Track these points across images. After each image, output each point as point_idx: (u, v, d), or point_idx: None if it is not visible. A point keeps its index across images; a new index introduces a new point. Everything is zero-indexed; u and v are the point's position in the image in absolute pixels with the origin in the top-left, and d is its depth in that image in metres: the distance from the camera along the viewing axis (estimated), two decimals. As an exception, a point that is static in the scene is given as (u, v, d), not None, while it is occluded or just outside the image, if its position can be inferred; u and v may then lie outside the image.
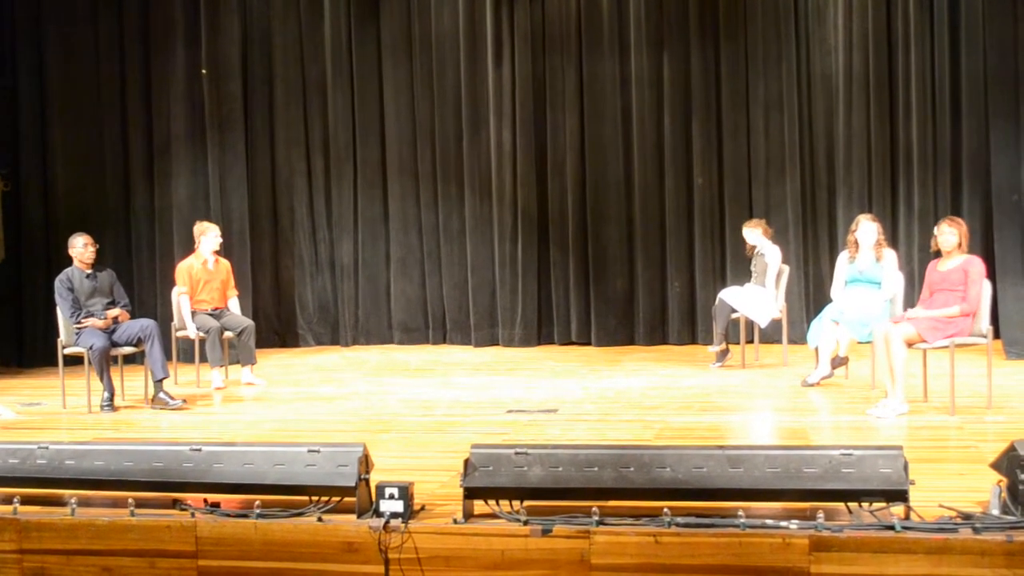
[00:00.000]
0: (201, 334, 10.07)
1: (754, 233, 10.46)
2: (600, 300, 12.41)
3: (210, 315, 10.16)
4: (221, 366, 10.05)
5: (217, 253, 10.45)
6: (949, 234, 8.00)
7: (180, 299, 10.23)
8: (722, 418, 8.19)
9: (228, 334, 10.15)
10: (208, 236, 10.33)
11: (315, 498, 5.66)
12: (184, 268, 10.30)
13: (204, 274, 10.25)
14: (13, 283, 12.14)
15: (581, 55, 12.40)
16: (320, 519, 5.50)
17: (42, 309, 11.76)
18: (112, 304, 9.32)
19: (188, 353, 11.03)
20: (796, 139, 11.96)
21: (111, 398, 9.08)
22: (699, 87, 12.15)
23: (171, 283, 11.33)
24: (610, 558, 5.17)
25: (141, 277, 12.36)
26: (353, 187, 13.01)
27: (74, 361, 9.31)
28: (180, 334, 10.30)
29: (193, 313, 10.16)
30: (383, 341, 12.99)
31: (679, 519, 5.18)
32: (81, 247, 9.31)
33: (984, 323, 7.87)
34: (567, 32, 12.40)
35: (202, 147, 12.30)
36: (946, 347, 7.78)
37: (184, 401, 9.09)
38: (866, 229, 9.08)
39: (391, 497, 5.42)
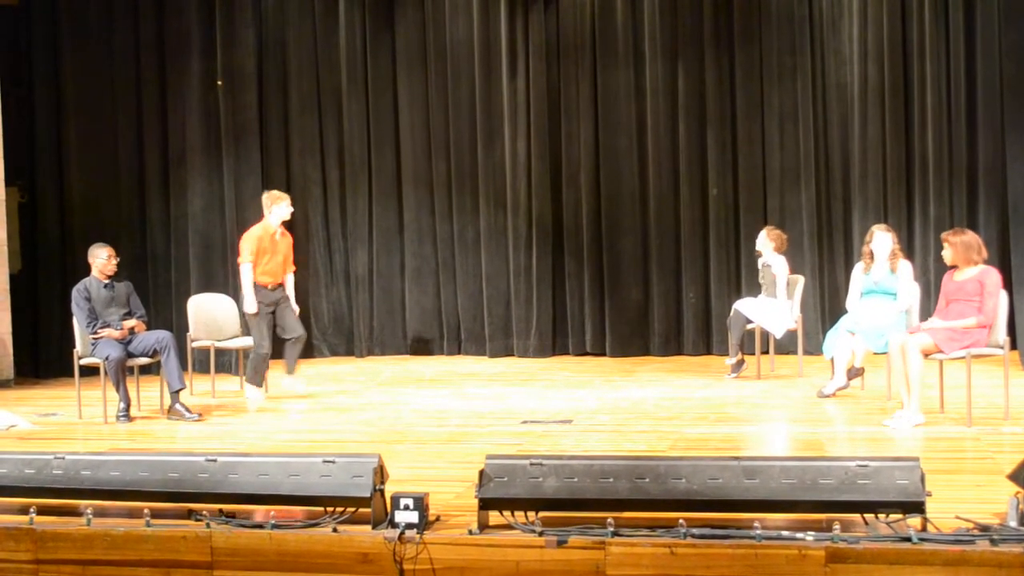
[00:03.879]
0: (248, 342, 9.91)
1: (763, 243, 10.45)
2: (615, 310, 12.40)
3: (271, 293, 9.90)
4: (260, 386, 9.88)
5: (285, 224, 10.17)
6: (944, 249, 8.10)
7: (242, 268, 9.84)
8: (737, 429, 8.17)
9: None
10: (281, 205, 9.99)
11: (330, 509, 5.66)
12: (253, 237, 9.89)
13: (271, 245, 9.97)
14: (29, 294, 12.18)
15: (596, 65, 12.41)
16: (335, 530, 5.50)
17: (58, 320, 11.80)
18: (128, 315, 9.33)
19: (204, 364, 11.06)
20: (811, 149, 11.95)
21: (127, 409, 9.11)
22: (714, 97, 12.15)
23: (186, 293, 11.40)
24: (625, 569, 5.16)
25: (157, 288, 12.37)
26: (368, 197, 13.02)
27: (90, 372, 9.33)
28: (248, 310, 9.84)
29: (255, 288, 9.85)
30: (398, 352, 12.99)
31: (695, 530, 5.17)
32: (104, 259, 9.30)
33: (1001, 334, 7.84)
34: (582, 42, 12.41)
35: (217, 157, 12.32)
36: (962, 358, 7.74)
37: (200, 415, 9.08)
38: (880, 239, 9.08)
39: (406, 508, 5.42)
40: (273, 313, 9.96)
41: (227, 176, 12.28)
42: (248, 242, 9.87)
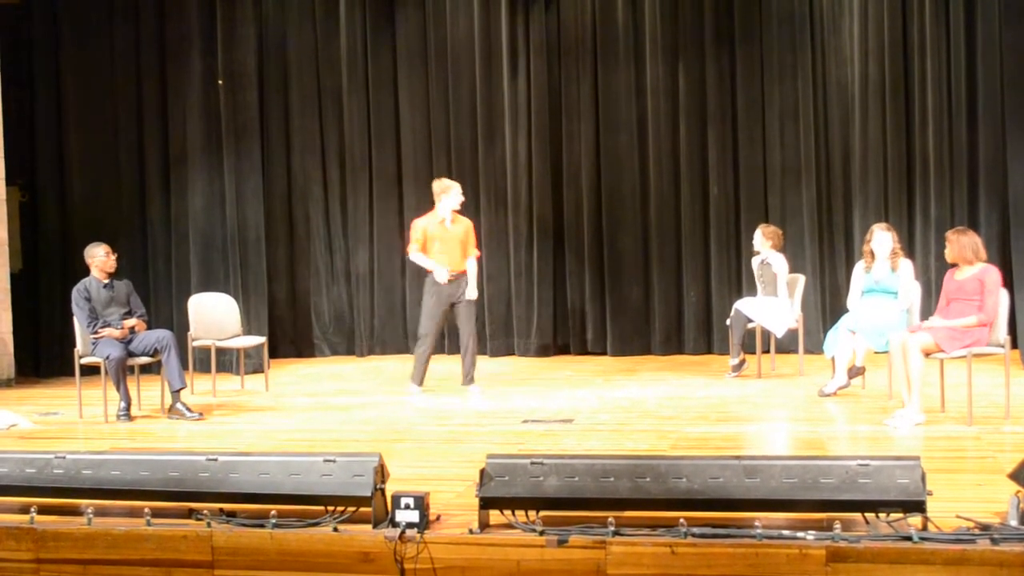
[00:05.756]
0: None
1: (760, 241, 10.44)
2: (616, 309, 12.40)
3: (446, 286, 9.87)
4: (420, 384, 10.09)
5: (458, 212, 10.13)
6: (947, 246, 8.11)
7: (411, 257, 10.02)
8: (738, 428, 8.17)
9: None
10: (450, 195, 9.98)
11: (331, 508, 5.66)
12: (420, 225, 9.99)
13: (440, 231, 9.97)
14: (30, 293, 12.18)
15: (596, 64, 12.42)
16: (336, 529, 5.50)
17: (59, 319, 11.80)
18: (129, 314, 9.33)
19: (204, 363, 11.05)
20: (812, 148, 11.95)
21: (127, 408, 9.11)
22: (714, 96, 12.15)
23: (186, 292, 11.41)
24: (626, 569, 5.16)
25: (157, 287, 12.37)
26: (369, 196, 13.03)
27: (91, 371, 9.33)
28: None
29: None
30: (399, 350, 12.97)
31: (695, 529, 5.17)
32: (103, 256, 9.32)
33: (1002, 333, 7.84)
34: (582, 41, 12.42)
35: (218, 156, 12.30)
36: (963, 357, 7.74)
37: (201, 415, 9.08)
38: (880, 239, 9.08)
39: (407, 507, 5.42)
40: (452, 308, 10.00)
41: (228, 175, 12.26)
42: (413, 231, 9.98)
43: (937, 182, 11.68)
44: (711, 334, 12.28)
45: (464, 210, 12.59)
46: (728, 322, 10.59)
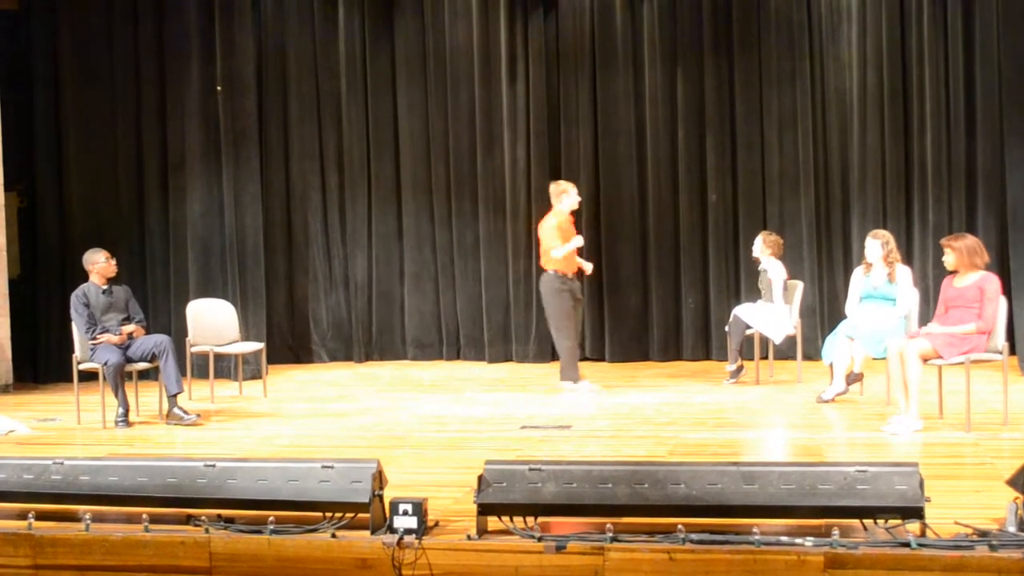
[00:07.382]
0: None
1: (760, 249, 10.45)
2: (614, 316, 12.40)
3: (573, 282, 10.26)
4: (575, 381, 10.24)
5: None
6: (946, 254, 8.09)
7: (559, 253, 10.04)
8: (736, 434, 8.18)
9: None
10: (571, 194, 10.28)
11: (329, 514, 5.66)
12: (552, 227, 10.17)
13: (570, 233, 10.23)
14: (28, 299, 12.16)
15: (595, 71, 12.42)
16: (334, 535, 5.50)
17: (57, 325, 11.78)
18: (127, 320, 9.34)
19: (203, 369, 11.03)
20: (810, 155, 11.96)
21: (125, 414, 9.10)
22: (713, 103, 12.16)
23: (185, 298, 11.39)
24: (624, 575, 5.15)
25: (156, 293, 12.33)
26: (367, 203, 13.03)
27: (89, 377, 9.32)
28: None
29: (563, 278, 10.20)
30: (397, 357, 12.98)
31: (693, 536, 5.17)
32: (104, 261, 9.34)
33: (1000, 339, 7.84)
34: (581, 48, 12.42)
35: (216, 163, 12.27)
36: (961, 363, 7.75)
37: (198, 416, 9.10)
38: (868, 246, 9.11)
39: (405, 513, 5.42)
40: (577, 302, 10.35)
41: (226, 181, 12.23)
42: (550, 232, 10.17)
43: (935, 188, 11.69)
44: (709, 340, 12.28)
45: (462, 217, 12.74)
46: (727, 328, 10.59)
